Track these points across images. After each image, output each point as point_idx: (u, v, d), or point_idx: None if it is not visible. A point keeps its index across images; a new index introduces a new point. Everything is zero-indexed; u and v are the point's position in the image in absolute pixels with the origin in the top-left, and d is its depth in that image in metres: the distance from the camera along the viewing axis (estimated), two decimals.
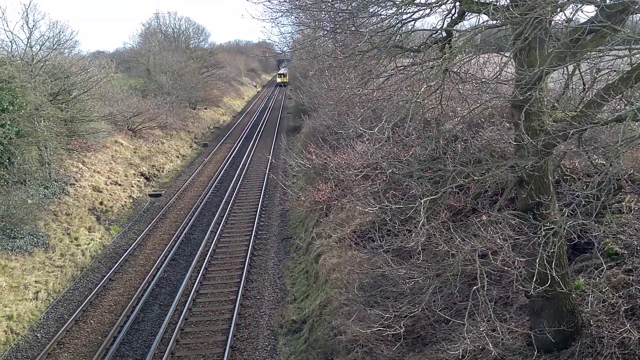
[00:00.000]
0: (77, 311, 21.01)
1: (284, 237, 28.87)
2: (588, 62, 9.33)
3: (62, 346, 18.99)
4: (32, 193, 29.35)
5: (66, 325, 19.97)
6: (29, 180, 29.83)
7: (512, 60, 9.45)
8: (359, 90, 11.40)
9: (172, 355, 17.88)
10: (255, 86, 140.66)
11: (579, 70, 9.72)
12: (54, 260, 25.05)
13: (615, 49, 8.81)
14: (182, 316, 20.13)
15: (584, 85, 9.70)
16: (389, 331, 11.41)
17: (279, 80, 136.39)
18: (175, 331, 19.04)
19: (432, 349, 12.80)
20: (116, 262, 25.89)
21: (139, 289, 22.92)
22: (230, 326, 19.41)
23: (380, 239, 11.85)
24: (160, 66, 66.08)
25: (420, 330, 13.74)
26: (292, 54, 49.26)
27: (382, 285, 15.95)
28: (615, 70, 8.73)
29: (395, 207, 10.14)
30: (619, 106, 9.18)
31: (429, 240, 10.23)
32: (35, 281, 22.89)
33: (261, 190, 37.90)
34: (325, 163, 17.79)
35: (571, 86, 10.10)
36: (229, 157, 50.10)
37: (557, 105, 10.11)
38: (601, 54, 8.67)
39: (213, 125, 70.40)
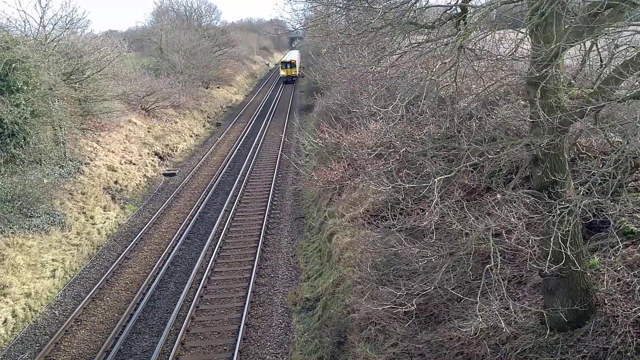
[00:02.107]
0: (94, 289, 21.32)
1: (297, 216, 28.96)
2: (606, 38, 9.16)
3: (79, 323, 19.31)
4: (48, 172, 29.64)
5: (83, 302, 20.29)
6: (44, 160, 30.11)
7: (528, 36, 9.29)
8: (372, 68, 11.29)
9: (188, 332, 18.13)
10: (268, 64, 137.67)
11: (597, 46, 9.54)
12: (70, 239, 25.37)
13: (634, 24, 8.64)
14: (197, 294, 20.35)
15: (602, 61, 9.53)
16: (402, 309, 11.45)
17: (283, 72, 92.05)
18: (191, 308, 19.28)
19: (444, 327, 12.85)
20: (132, 241, 26.17)
21: (155, 267, 23.18)
22: (244, 304, 19.61)
23: (393, 218, 11.84)
24: (172, 45, 65.98)
25: (432, 309, 13.79)
26: (305, 31, 48.88)
27: (395, 264, 16.00)
28: (633, 46, 8.57)
29: (408, 186, 10.10)
30: (637, 82, 9.02)
31: (442, 219, 10.22)
32: (52, 259, 23.23)
33: (274, 169, 37.95)
34: (338, 142, 17.75)
35: (588, 62, 9.94)
36: (242, 136, 50.14)
37: (574, 82, 9.97)
38: (619, 30, 8.50)
39: (226, 105, 70.33)
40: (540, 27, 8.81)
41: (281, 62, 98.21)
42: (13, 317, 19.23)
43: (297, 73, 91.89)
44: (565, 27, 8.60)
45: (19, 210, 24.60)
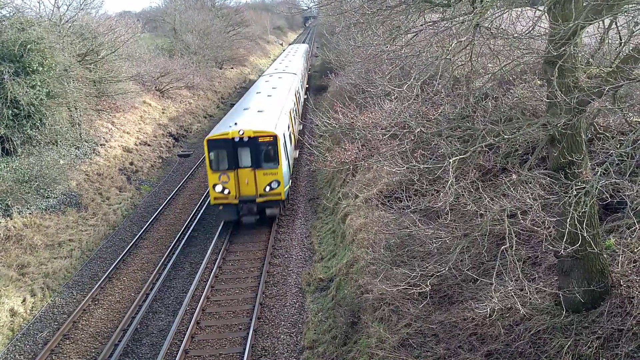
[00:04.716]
0: (110, 269, 21.58)
1: (311, 197, 28.97)
2: (625, 16, 8.96)
3: (96, 302, 19.60)
4: (64, 153, 29.89)
5: (100, 282, 20.56)
6: (60, 141, 30.36)
7: (545, 14, 9.12)
8: (387, 47, 11.17)
9: (203, 312, 18.33)
10: (282, 44, 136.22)
11: (616, 24, 9.34)
12: (86, 219, 25.66)
13: None
14: (212, 273, 20.52)
15: (621, 39, 9.33)
16: (416, 290, 11.45)
17: (218, 188, 23.28)
18: (206, 288, 19.47)
19: (458, 308, 12.85)
20: (147, 221, 26.41)
21: (170, 247, 23.39)
22: (259, 284, 19.75)
23: (407, 199, 11.77)
24: (186, 25, 65.81)
25: (447, 289, 13.78)
26: (319, 10, 48.44)
27: (408, 245, 15.96)
28: None
29: (423, 167, 10.04)
30: None
31: (457, 200, 10.14)
32: (69, 239, 23.53)
33: None
34: (352, 122, 17.61)
35: (607, 41, 9.73)
36: None
37: (592, 61, 9.78)
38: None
39: (239, 85, 70.12)
40: (558, 5, 8.64)
41: (208, 143, 25.04)
42: (32, 296, 19.56)
43: (284, 194, 24.36)
44: (584, 4, 8.43)
45: (36, 191, 24.88)
